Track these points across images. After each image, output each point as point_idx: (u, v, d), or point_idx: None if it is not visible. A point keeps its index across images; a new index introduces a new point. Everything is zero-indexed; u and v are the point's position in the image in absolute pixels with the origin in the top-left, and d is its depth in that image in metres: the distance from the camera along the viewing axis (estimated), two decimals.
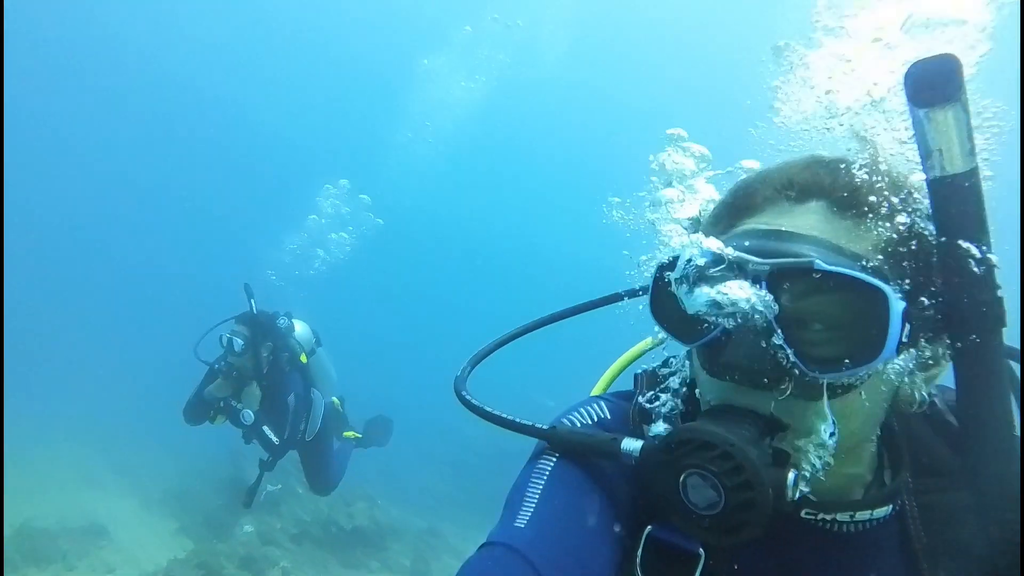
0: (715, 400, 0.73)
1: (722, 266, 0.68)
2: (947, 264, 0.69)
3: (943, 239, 0.70)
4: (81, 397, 10.21)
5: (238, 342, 4.51)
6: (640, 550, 0.78)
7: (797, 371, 0.66)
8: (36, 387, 9.99)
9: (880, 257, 0.69)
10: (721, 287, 0.68)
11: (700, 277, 0.70)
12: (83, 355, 12.44)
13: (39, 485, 7.28)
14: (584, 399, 0.97)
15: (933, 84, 0.67)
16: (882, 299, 0.64)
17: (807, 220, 0.71)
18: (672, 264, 0.72)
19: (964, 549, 0.74)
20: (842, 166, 0.73)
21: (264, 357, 4.61)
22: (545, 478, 0.82)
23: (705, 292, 0.69)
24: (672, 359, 0.92)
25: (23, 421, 7.98)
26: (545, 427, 0.86)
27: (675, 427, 0.75)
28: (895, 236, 0.70)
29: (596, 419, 0.91)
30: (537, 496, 0.79)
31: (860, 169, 0.72)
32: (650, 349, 1.11)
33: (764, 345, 0.66)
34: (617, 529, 0.80)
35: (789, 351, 0.66)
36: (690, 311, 0.71)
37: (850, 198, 0.71)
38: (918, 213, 0.72)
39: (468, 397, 0.96)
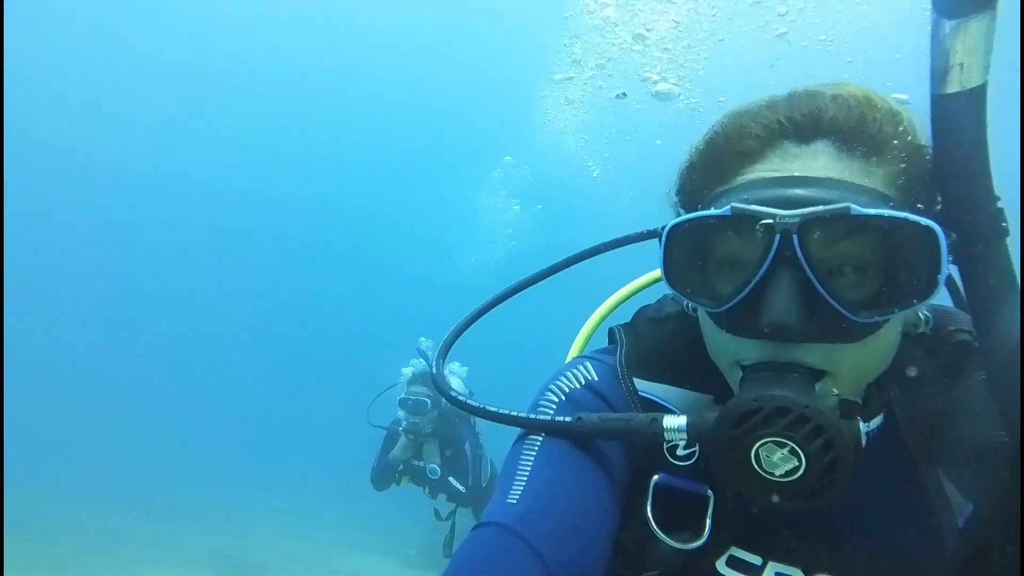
0: (749, 360, 0.69)
1: (744, 223, 0.66)
2: (953, 181, 0.67)
3: (951, 156, 0.67)
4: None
5: (425, 402, 4.66)
6: (650, 500, 0.79)
7: (842, 319, 0.65)
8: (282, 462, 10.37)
9: (893, 190, 0.67)
10: (748, 244, 0.67)
11: (722, 236, 0.69)
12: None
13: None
14: (566, 364, 0.93)
15: None
16: (932, 237, 0.63)
17: (818, 163, 0.67)
18: (693, 224, 0.70)
19: (958, 448, 0.74)
20: (839, 100, 0.69)
21: (441, 413, 4.78)
22: (535, 451, 0.80)
23: (733, 250, 0.69)
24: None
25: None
26: (569, 419, 0.78)
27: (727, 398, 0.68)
28: (902, 166, 0.68)
29: (583, 381, 0.87)
30: (528, 470, 0.78)
31: (856, 101, 0.69)
32: (623, 302, 1.10)
33: (805, 298, 0.64)
34: (613, 491, 0.79)
35: (832, 300, 0.64)
36: (717, 273, 0.72)
37: (856, 134, 0.68)
38: (915, 138, 0.70)
39: (462, 398, 0.88)
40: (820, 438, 0.61)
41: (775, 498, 0.65)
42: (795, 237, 0.63)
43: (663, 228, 0.74)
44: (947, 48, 0.65)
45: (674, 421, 0.71)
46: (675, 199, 0.81)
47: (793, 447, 0.62)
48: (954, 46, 0.65)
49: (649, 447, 0.80)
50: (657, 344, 0.89)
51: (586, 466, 0.78)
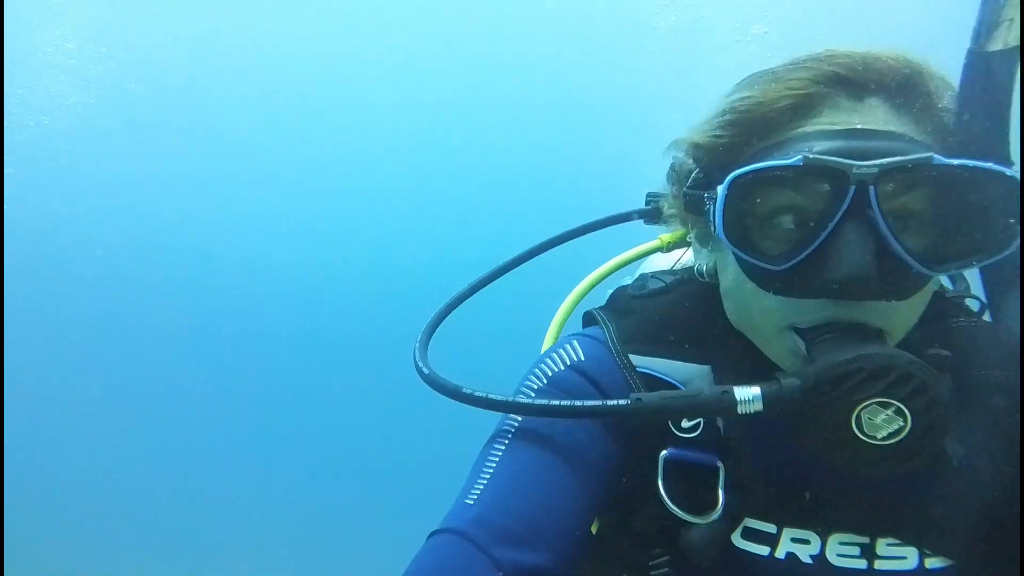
0: (810, 322, 0.66)
1: (816, 173, 0.63)
2: (988, 139, 0.66)
3: (986, 116, 0.65)
4: None
5: None
6: (660, 475, 0.75)
7: (912, 273, 0.63)
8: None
9: (942, 149, 0.65)
10: (813, 197, 0.64)
11: (779, 191, 0.66)
12: None
13: None
14: (552, 347, 0.88)
15: None
16: (1013, 186, 0.61)
17: (876, 116, 0.65)
18: (757, 175, 0.65)
19: (987, 416, 0.72)
20: (887, 57, 0.68)
21: None
22: (503, 449, 0.76)
23: (791, 204, 0.66)
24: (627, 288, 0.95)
25: None
26: (624, 402, 0.68)
27: (812, 363, 0.63)
28: (945, 124, 0.68)
29: (569, 362, 0.83)
30: (493, 468, 0.74)
31: (903, 60, 0.68)
32: (593, 287, 1.09)
33: (878, 253, 0.61)
34: (590, 482, 0.75)
35: (908, 255, 0.62)
36: (770, 230, 0.67)
37: (907, 91, 0.67)
38: (953, 98, 0.69)
39: (470, 391, 0.76)
40: (926, 395, 0.58)
41: (875, 465, 0.61)
42: (871, 188, 0.61)
43: (727, 180, 0.66)
44: (996, 2, 0.63)
45: (747, 392, 0.64)
46: (689, 159, 0.77)
47: (899, 406, 0.59)
48: (1007, 0, 0.63)
49: (658, 425, 0.77)
50: (650, 318, 0.86)
51: (558, 460, 0.74)
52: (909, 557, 0.72)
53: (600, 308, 0.93)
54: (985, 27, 0.65)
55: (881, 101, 0.67)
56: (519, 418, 0.78)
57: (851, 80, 0.67)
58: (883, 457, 0.60)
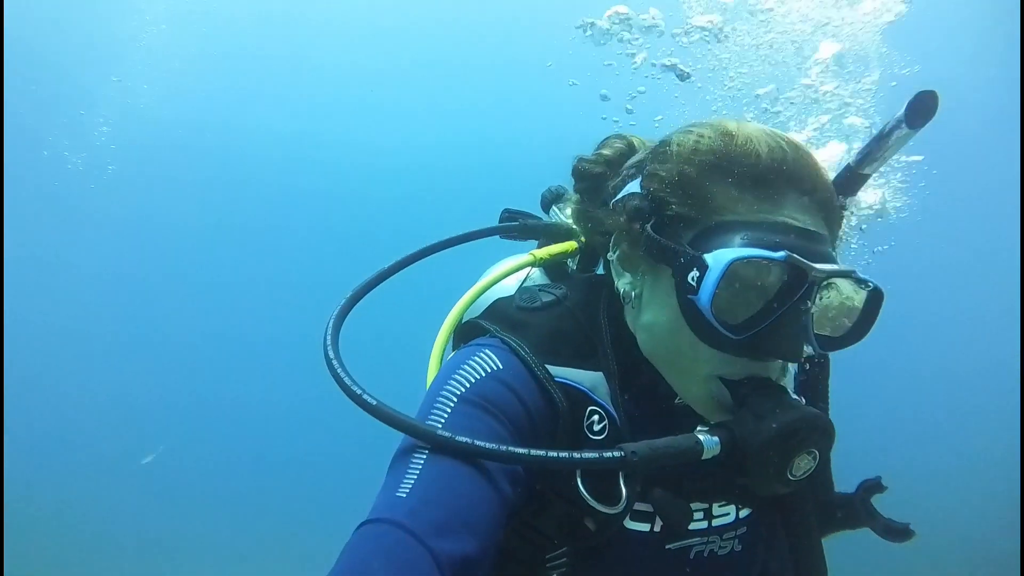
0: (736, 375, 0.81)
1: (786, 269, 0.77)
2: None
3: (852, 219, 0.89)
4: None
5: None
6: (579, 477, 0.82)
7: (812, 350, 0.82)
8: None
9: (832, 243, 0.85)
10: (771, 281, 0.79)
11: (753, 272, 0.79)
12: None
13: None
14: (461, 354, 0.89)
15: (927, 115, 0.85)
16: (881, 298, 0.84)
17: (813, 218, 0.82)
18: (748, 261, 0.77)
19: None
20: (817, 162, 0.84)
21: None
22: (428, 450, 0.77)
23: (770, 290, 0.79)
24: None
25: None
26: (616, 455, 0.75)
27: (762, 417, 0.77)
28: (839, 227, 0.88)
29: (488, 370, 0.84)
30: (421, 463, 0.75)
31: (819, 166, 0.85)
32: (477, 298, 1.07)
33: (801, 331, 0.78)
34: (506, 483, 0.77)
35: (815, 339, 0.81)
36: (759, 310, 0.79)
37: (829, 202, 0.84)
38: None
39: (375, 404, 0.78)
40: (831, 443, 0.80)
41: (784, 490, 0.79)
42: (815, 288, 0.77)
43: (727, 260, 0.76)
44: (889, 144, 0.89)
45: (711, 440, 0.77)
46: (645, 201, 0.85)
47: (816, 453, 0.78)
48: (894, 146, 0.88)
49: (572, 428, 0.86)
50: (553, 329, 0.90)
51: (484, 463, 0.76)
52: (730, 512, 0.95)
53: (485, 320, 0.94)
54: (868, 156, 0.90)
55: (816, 203, 0.82)
56: (444, 421, 0.79)
57: (804, 179, 0.81)
58: (793, 484, 0.78)
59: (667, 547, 0.91)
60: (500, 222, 1.19)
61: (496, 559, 0.77)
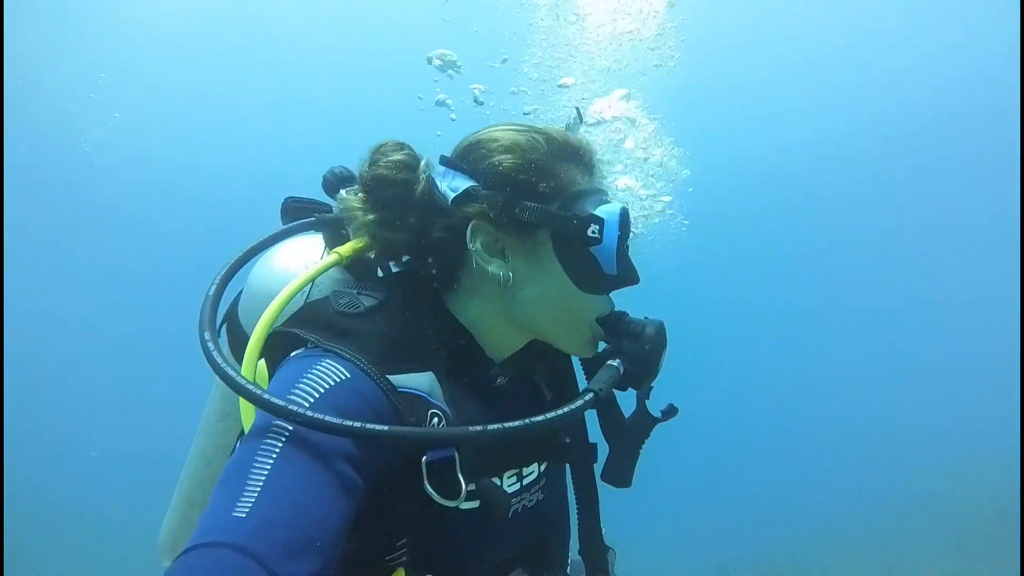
0: (602, 312, 1.00)
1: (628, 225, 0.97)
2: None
3: None
4: None
5: None
6: (426, 477, 0.82)
7: None
8: None
9: None
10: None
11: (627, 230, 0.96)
12: None
13: None
14: (296, 364, 0.82)
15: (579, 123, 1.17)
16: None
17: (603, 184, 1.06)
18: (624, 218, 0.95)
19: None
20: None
21: None
22: (277, 453, 0.71)
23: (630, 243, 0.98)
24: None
25: None
26: (477, 428, 0.78)
27: (627, 334, 0.99)
28: None
29: (337, 380, 0.79)
30: (265, 474, 0.69)
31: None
32: (288, 302, 0.94)
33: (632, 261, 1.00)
34: (355, 492, 0.74)
35: None
36: (620, 265, 0.94)
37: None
38: None
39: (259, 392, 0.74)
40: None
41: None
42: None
43: (606, 215, 0.94)
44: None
45: (611, 369, 0.96)
46: (503, 188, 0.94)
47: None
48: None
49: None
50: (385, 336, 0.87)
51: (331, 473, 0.72)
52: (535, 470, 1.06)
53: (301, 329, 0.87)
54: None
55: (599, 172, 1.06)
56: (289, 425, 0.73)
57: (594, 155, 1.04)
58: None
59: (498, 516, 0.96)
60: (286, 211, 1.16)
61: (336, 569, 0.72)
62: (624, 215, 0.95)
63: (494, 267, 0.94)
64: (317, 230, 1.11)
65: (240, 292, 1.13)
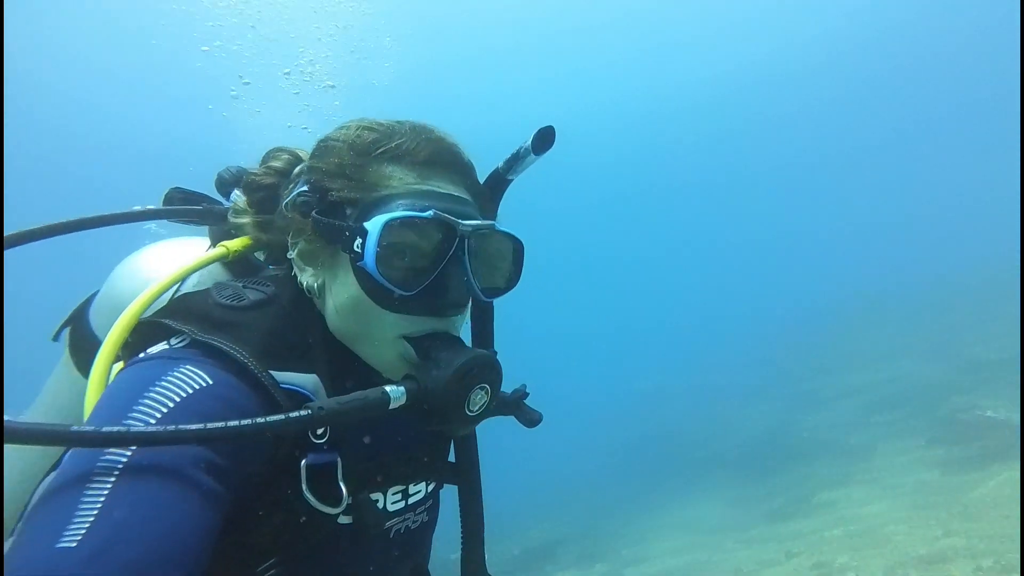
0: (419, 332, 0.89)
1: (436, 226, 0.87)
2: (493, 209, 1.07)
3: (495, 197, 1.07)
4: None
5: None
6: (305, 481, 0.82)
7: (476, 299, 0.96)
8: None
9: (480, 210, 0.98)
10: (429, 242, 0.87)
11: (407, 233, 0.86)
12: None
13: None
14: (145, 368, 0.76)
15: (548, 144, 1.01)
16: (522, 249, 1.00)
17: (460, 188, 0.94)
18: (402, 221, 0.85)
19: None
20: (454, 141, 0.96)
21: None
22: (111, 483, 0.63)
23: (427, 247, 0.87)
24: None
25: None
26: (303, 413, 0.72)
27: (439, 364, 0.84)
28: (478, 192, 1.00)
29: (197, 387, 0.74)
30: (102, 498, 0.61)
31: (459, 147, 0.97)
32: (158, 296, 0.92)
33: (463, 283, 0.89)
34: (216, 501, 0.69)
35: (477, 286, 0.92)
36: (397, 261, 0.85)
37: (471, 172, 0.98)
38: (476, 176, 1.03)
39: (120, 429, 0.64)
40: (500, 377, 0.90)
41: (466, 428, 0.88)
42: (467, 241, 0.88)
43: (382, 222, 0.84)
44: (522, 163, 1.04)
45: (397, 391, 0.81)
46: (310, 194, 0.90)
47: (488, 387, 0.86)
48: (524, 164, 1.04)
49: (297, 435, 0.83)
50: (270, 331, 0.84)
51: (186, 478, 0.66)
52: (422, 489, 1.03)
53: (174, 320, 0.81)
54: (512, 166, 1.05)
55: (461, 177, 0.95)
56: (125, 453, 0.65)
57: (447, 158, 0.93)
58: (472, 421, 0.86)
59: (371, 533, 0.93)
60: (169, 202, 1.12)
61: None
62: (385, 228, 0.83)
63: (304, 276, 0.93)
64: (203, 220, 1.12)
65: (92, 294, 1.11)
